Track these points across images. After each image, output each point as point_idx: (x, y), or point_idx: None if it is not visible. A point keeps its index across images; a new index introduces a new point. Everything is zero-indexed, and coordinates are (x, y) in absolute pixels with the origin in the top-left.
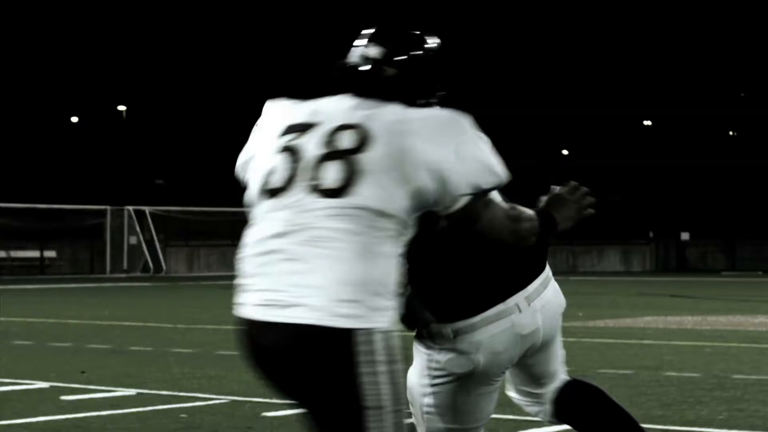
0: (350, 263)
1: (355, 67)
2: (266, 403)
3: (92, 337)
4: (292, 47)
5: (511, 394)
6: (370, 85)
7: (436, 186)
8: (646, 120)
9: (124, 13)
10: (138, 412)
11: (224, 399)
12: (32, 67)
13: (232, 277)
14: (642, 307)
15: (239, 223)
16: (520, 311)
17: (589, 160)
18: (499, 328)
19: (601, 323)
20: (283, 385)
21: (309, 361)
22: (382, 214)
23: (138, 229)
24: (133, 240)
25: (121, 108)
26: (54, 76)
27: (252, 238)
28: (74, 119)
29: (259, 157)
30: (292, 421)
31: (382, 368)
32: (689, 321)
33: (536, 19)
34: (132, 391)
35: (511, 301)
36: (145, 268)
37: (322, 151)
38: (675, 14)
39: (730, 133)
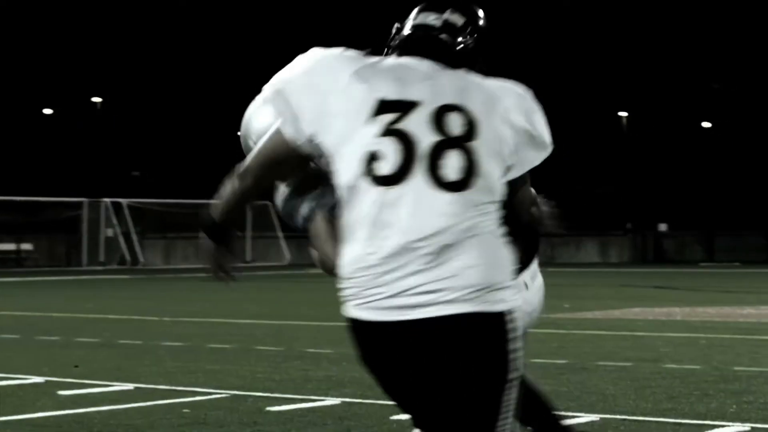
0: (484, 252)
1: (437, 34)
2: (268, 397)
3: (80, 331)
4: (268, 41)
5: None
6: (451, 54)
7: (512, 165)
8: (623, 111)
9: (100, 4)
10: (139, 407)
11: (224, 393)
12: (5, 59)
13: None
14: (626, 298)
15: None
16: (527, 289)
17: (566, 152)
18: None
19: (589, 315)
20: (416, 379)
21: (465, 348)
22: (493, 201)
23: (115, 221)
24: (110, 232)
25: (97, 99)
26: (28, 67)
27: (372, 235)
28: (48, 111)
29: (345, 135)
30: (297, 416)
31: (520, 343)
32: (678, 312)
33: (512, 10)
34: (129, 386)
35: (520, 278)
36: (122, 261)
37: (436, 138)
38: (647, 7)
39: (704, 124)
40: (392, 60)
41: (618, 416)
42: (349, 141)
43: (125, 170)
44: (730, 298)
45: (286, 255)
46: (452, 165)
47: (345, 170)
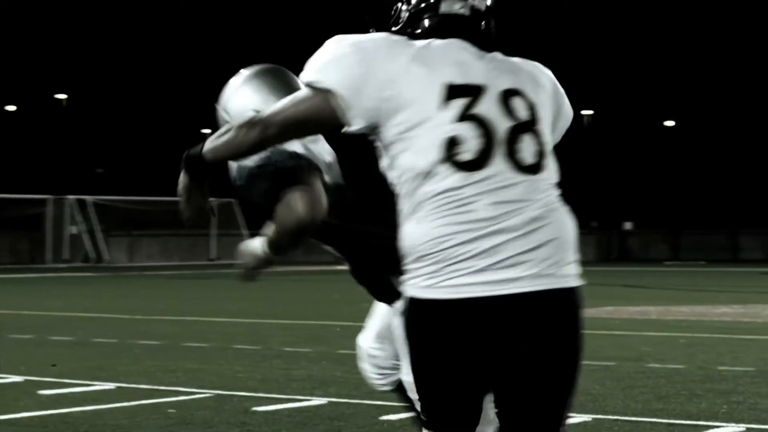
0: (559, 226)
1: (470, 17)
2: (253, 397)
3: (53, 329)
4: (232, 39)
5: (375, 362)
6: (482, 37)
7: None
8: (588, 109)
9: (63, 0)
10: (123, 407)
11: (208, 393)
12: None
13: (174, 267)
14: (597, 296)
15: (180, 212)
16: None
17: None
18: None
19: None
20: (494, 357)
21: (546, 326)
22: (556, 180)
23: (79, 218)
24: (74, 229)
25: (61, 96)
26: None
27: (452, 213)
28: (12, 108)
29: (416, 122)
30: (284, 416)
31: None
32: (652, 311)
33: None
34: (110, 385)
35: None
36: (86, 258)
37: (510, 122)
38: (610, 4)
39: (667, 123)
40: (440, 42)
41: (609, 416)
42: (420, 127)
43: (90, 167)
44: (701, 296)
45: None
46: (528, 149)
47: (418, 156)
